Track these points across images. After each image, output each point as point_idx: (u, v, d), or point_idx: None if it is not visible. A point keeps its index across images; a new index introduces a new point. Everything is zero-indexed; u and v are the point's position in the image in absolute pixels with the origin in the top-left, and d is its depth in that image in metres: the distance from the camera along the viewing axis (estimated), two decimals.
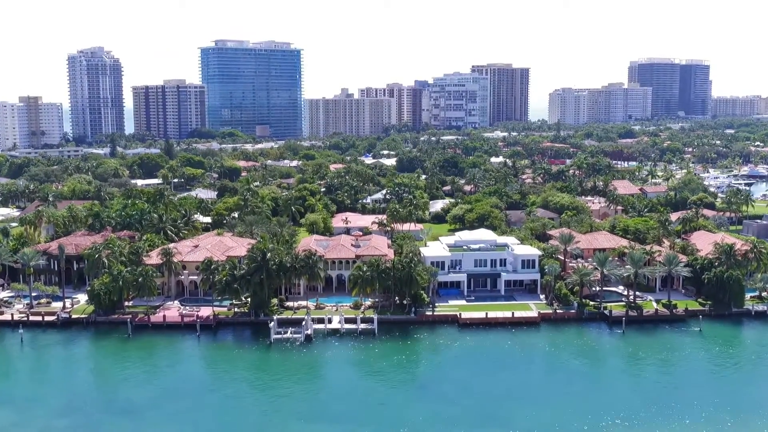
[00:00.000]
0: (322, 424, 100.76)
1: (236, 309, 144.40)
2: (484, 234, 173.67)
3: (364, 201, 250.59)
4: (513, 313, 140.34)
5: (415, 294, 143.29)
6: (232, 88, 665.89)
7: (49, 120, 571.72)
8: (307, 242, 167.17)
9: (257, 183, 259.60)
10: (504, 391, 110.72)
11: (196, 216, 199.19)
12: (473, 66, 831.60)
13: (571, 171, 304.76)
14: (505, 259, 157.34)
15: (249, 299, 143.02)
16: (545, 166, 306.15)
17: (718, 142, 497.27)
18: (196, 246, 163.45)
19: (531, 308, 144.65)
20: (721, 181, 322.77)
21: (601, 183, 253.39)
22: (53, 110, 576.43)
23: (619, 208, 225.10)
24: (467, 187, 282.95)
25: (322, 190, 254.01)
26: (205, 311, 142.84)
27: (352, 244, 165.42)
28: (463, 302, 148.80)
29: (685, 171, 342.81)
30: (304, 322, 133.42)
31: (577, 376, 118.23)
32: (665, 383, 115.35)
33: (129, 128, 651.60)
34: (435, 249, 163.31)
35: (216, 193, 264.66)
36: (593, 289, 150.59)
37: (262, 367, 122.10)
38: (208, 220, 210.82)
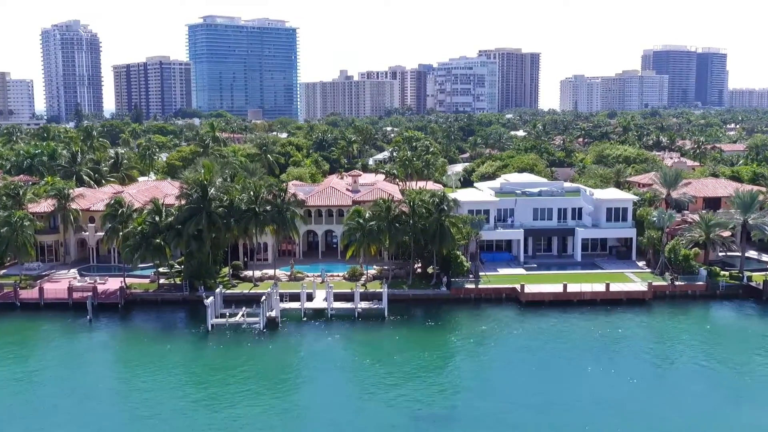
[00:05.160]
0: None
1: (163, 280, 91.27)
2: (533, 178, 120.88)
3: (366, 162, 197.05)
4: (608, 285, 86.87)
5: (448, 256, 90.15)
6: (222, 68, 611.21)
7: (18, 98, 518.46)
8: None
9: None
10: (608, 417, 57.34)
11: (148, 177, 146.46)
12: (480, 50, 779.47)
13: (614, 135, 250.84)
14: (580, 209, 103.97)
15: (183, 265, 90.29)
16: (585, 127, 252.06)
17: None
18: (119, 193, 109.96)
19: (631, 279, 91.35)
20: None
21: (665, 138, 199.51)
22: (22, 87, 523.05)
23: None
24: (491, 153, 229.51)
25: (313, 147, 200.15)
26: (114, 284, 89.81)
27: (348, 189, 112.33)
28: (519, 271, 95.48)
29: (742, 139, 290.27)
30: (264, 299, 79.98)
31: (743, 391, 64.70)
32: None
33: (110, 109, 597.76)
34: (473, 194, 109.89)
35: None
36: (718, 253, 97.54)
37: (186, 371, 68.53)
38: None
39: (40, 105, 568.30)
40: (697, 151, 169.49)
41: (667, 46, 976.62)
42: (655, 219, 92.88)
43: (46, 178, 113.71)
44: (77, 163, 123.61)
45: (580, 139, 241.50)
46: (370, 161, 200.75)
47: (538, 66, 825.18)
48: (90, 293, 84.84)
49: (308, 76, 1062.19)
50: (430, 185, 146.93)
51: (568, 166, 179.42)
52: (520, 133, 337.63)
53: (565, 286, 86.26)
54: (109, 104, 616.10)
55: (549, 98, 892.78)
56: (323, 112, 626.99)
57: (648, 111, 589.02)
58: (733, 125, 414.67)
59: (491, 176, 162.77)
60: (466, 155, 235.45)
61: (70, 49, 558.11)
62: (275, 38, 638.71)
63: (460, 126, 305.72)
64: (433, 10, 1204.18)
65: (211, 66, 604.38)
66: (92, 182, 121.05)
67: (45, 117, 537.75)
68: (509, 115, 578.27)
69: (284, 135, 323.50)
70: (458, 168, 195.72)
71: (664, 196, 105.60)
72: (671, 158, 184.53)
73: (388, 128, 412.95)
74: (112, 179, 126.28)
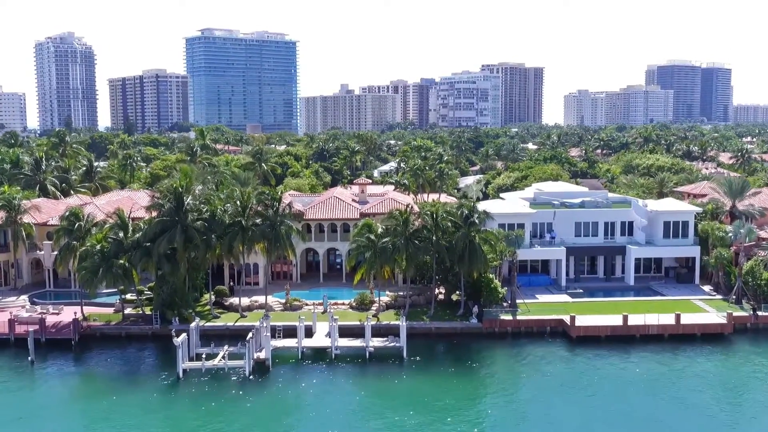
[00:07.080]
0: None
1: (129, 310, 74.75)
2: (571, 187, 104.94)
3: (370, 174, 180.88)
4: (678, 317, 70.30)
5: (479, 280, 73.70)
6: (220, 81, 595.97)
7: (9, 111, 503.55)
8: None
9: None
10: None
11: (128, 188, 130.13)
12: (483, 65, 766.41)
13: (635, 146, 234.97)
14: (630, 223, 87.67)
15: (153, 291, 73.85)
16: (604, 137, 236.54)
17: None
18: (86, 205, 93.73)
19: (702, 309, 74.80)
20: None
21: (697, 148, 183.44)
22: (14, 101, 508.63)
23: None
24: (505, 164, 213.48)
25: (313, 157, 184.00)
26: (68, 315, 73.24)
27: (354, 199, 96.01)
28: (563, 297, 79.07)
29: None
30: (251, 336, 63.35)
31: None
32: None
33: (105, 123, 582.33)
34: (505, 205, 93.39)
35: None
36: None
37: None
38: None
39: (34, 119, 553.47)
40: (741, 160, 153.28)
41: (671, 60, 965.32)
42: (730, 233, 76.47)
43: (2, 188, 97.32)
44: (41, 171, 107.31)
45: (599, 150, 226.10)
46: (375, 173, 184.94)
47: (542, 80, 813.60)
48: (36, 326, 68.40)
49: (308, 90, 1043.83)
50: (444, 198, 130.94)
51: (591, 177, 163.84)
52: (531, 146, 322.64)
53: (625, 318, 69.69)
54: (104, 119, 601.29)
55: (553, 113, 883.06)
56: (323, 127, 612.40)
57: (656, 125, 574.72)
58: (749, 138, 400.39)
59: (510, 188, 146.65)
60: (476, 167, 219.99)
61: (64, 62, 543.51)
62: (275, 51, 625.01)
63: (470, 137, 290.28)
64: (435, 23, 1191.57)
65: (208, 79, 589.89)
66: (58, 192, 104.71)
67: (38, 131, 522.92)
68: (514, 129, 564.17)
69: (283, 147, 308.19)
70: (472, 179, 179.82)
71: (728, 208, 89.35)
72: (707, 168, 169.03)
73: (392, 141, 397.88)
74: (82, 190, 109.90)
